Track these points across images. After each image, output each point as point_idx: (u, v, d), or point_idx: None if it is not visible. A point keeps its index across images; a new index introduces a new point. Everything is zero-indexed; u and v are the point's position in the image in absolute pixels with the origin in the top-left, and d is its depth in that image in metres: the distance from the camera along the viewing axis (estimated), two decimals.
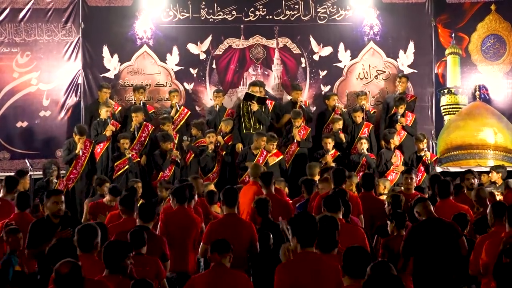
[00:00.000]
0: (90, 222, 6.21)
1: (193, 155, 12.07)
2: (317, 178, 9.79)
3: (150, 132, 12.31)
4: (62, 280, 4.48)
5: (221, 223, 7.18)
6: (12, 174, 10.77)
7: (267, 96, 12.90)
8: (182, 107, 12.97)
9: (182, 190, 7.61)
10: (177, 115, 12.78)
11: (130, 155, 11.60)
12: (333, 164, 11.38)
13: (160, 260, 6.38)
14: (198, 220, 7.60)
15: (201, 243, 7.18)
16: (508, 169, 11.57)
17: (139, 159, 11.92)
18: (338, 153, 12.10)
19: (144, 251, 6.19)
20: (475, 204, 8.34)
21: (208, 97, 13.33)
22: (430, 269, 6.51)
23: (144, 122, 12.35)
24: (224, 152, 12.24)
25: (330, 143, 11.98)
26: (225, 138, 12.42)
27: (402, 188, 9.59)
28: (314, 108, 13.27)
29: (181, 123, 12.79)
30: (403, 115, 12.61)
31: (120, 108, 12.86)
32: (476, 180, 9.61)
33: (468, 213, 7.67)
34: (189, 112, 12.95)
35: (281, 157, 11.84)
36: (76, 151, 11.67)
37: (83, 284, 4.54)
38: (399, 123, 12.47)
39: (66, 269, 4.49)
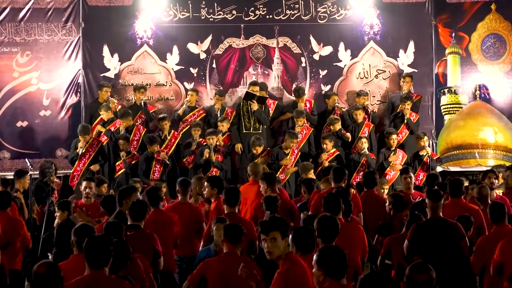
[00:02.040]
0: (84, 223, 6.21)
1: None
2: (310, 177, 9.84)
3: (143, 134, 12.27)
4: (40, 281, 4.44)
5: None
6: (13, 173, 10.85)
7: (267, 96, 12.89)
8: (198, 107, 12.94)
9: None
10: (189, 114, 12.74)
11: (123, 158, 11.58)
12: (327, 164, 11.34)
13: (153, 257, 6.47)
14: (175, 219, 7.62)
15: (202, 241, 7.21)
16: None
17: (136, 161, 11.86)
18: (337, 152, 12.08)
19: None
20: (476, 202, 8.33)
21: (209, 96, 13.33)
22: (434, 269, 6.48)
23: (136, 125, 12.31)
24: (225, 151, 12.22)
25: (327, 144, 11.95)
26: (222, 138, 12.36)
27: (402, 188, 9.59)
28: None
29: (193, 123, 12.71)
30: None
31: (120, 107, 12.85)
32: (497, 180, 9.51)
33: (478, 213, 7.64)
34: (204, 114, 12.91)
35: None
36: (76, 150, 11.70)
37: (62, 285, 4.51)
38: (405, 116, 12.44)
39: (43, 269, 4.45)
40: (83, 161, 11.77)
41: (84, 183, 9.25)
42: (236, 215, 7.34)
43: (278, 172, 11.52)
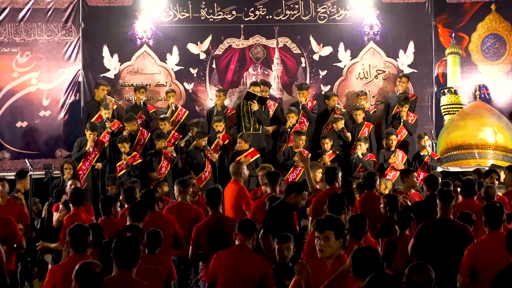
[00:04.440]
0: (80, 223, 6.23)
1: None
2: (318, 178, 9.80)
3: (147, 138, 12.22)
4: (92, 279, 4.42)
5: (206, 224, 7.22)
6: (13, 174, 10.84)
7: (268, 96, 12.89)
8: (180, 107, 12.96)
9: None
10: (174, 115, 12.78)
11: (125, 161, 11.59)
12: (329, 165, 11.34)
13: None
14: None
15: (190, 246, 7.23)
16: None
17: (140, 161, 11.84)
18: (337, 152, 12.09)
19: (158, 251, 6.27)
20: (483, 201, 8.29)
21: (208, 97, 13.34)
22: (438, 270, 6.41)
23: (140, 129, 12.28)
24: (220, 152, 12.23)
25: (327, 144, 11.96)
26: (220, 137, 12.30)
27: (402, 188, 9.57)
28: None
29: (180, 123, 12.78)
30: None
31: (116, 106, 12.83)
32: (497, 181, 9.51)
33: None
34: (187, 112, 12.94)
35: (257, 156, 11.86)
36: (86, 148, 11.71)
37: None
38: (402, 118, 12.45)
39: (99, 268, 4.43)
40: (89, 160, 11.81)
41: (70, 182, 9.23)
42: (220, 214, 7.35)
43: (289, 172, 11.56)
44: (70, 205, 8.13)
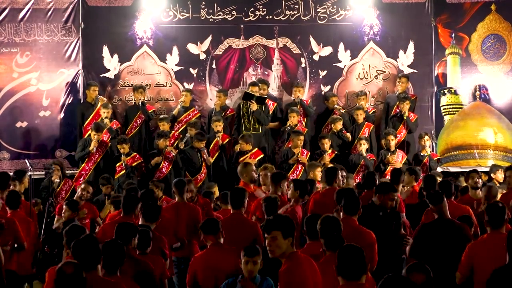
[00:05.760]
0: (76, 223, 6.26)
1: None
2: (318, 177, 9.80)
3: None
4: (65, 281, 4.44)
5: (226, 222, 7.19)
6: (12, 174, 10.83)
7: (266, 96, 12.89)
8: (193, 108, 12.95)
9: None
10: (184, 114, 12.76)
11: (124, 162, 11.57)
12: (330, 165, 11.34)
13: None
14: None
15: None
16: None
17: (139, 162, 11.83)
18: (336, 152, 12.09)
19: (149, 250, 6.27)
20: (483, 200, 8.26)
21: (208, 97, 13.34)
22: (437, 270, 6.42)
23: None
24: (219, 152, 12.22)
25: (327, 143, 11.96)
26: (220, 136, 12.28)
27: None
28: (314, 108, 13.22)
29: (187, 122, 12.71)
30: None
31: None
32: (480, 180, 9.55)
33: (469, 213, 7.62)
34: (199, 114, 12.92)
35: (261, 156, 11.85)
36: (90, 148, 11.71)
37: (85, 285, 4.52)
38: (404, 115, 12.44)
39: (71, 269, 4.45)
40: (92, 161, 11.82)
41: (83, 185, 9.31)
42: (240, 216, 7.30)
43: (289, 173, 11.56)
44: (7, 208, 8.14)
